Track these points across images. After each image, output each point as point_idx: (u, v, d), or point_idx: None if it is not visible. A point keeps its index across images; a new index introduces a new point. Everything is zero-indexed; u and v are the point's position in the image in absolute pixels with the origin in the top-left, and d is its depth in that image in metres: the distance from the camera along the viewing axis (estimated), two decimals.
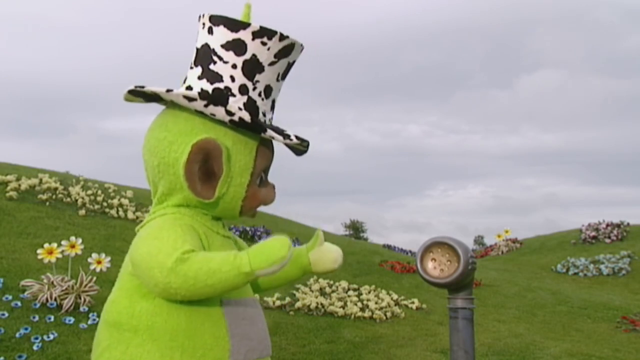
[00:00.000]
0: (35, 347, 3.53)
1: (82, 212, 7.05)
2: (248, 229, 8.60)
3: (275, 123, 1.51)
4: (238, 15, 1.44)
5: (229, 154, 1.38)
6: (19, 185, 7.21)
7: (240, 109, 1.36)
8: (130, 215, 7.46)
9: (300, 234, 10.02)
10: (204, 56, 1.41)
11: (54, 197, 7.29)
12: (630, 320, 7.20)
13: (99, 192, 8.13)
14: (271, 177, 1.53)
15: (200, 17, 1.43)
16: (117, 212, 7.49)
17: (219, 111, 1.34)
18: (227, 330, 1.35)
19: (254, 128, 1.37)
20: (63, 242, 4.43)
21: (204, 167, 1.37)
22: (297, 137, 1.42)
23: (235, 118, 1.34)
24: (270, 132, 1.37)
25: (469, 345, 1.52)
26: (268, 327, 1.49)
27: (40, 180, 7.68)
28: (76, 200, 7.42)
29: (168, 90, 1.36)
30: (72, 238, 4.50)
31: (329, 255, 1.57)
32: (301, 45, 1.45)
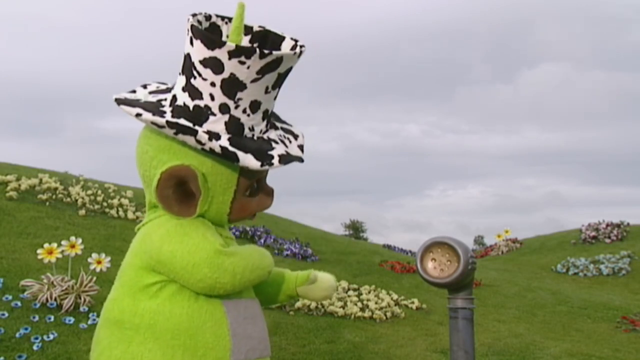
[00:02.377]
0: (35, 347, 3.53)
1: (82, 212, 7.05)
2: (248, 229, 8.60)
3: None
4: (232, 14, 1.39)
5: (206, 177, 1.35)
6: (19, 185, 7.21)
7: (211, 138, 1.30)
8: (130, 215, 7.46)
9: (300, 234, 10.02)
10: (187, 67, 1.36)
11: (54, 197, 7.29)
12: (630, 320, 7.19)
13: (99, 192, 8.13)
14: (270, 177, 1.50)
15: (187, 19, 1.36)
16: (117, 212, 7.49)
17: (189, 140, 1.30)
18: (229, 329, 1.36)
19: (226, 157, 1.31)
20: (63, 242, 4.43)
21: (181, 188, 1.35)
22: (282, 158, 1.35)
23: (206, 147, 1.30)
24: (244, 160, 1.30)
25: (469, 345, 1.52)
26: (268, 327, 1.49)
27: (40, 180, 7.68)
28: (76, 200, 7.42)
29: (138, 115, 1.32)
30: (72, 238, 4.50)
31: (319, 292, 1.63)
32: (295, 53, 1.35)
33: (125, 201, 7.90)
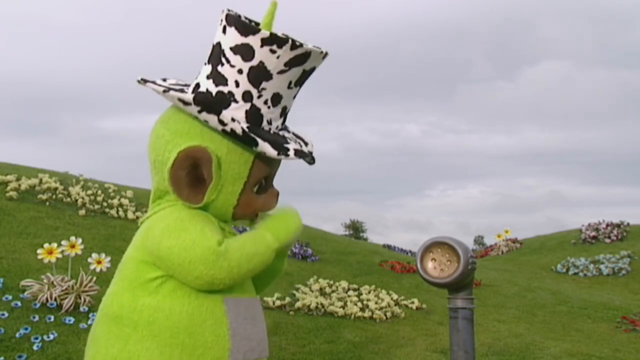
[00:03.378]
0: (35, 347, 3.53)
1: (82, 212, 7.05)
2: (248, 229, 8.59)
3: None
4: (262, 13, 1.40)
5: (220, 162, 1.36)
6: (19, 185, 7.21)
7: (233, 119, 1.33)
8: (130, 215, 7.46)
9: (300, 234, 10.01)
10: (216, 55, 1.39)
11: (54, 197, 7.29)
12: (630, 320, 7.19)
13: (99, 192, 8.12)
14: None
15: (222, 11, 1.40)
16: (117, 212, 7.48)
17: (211, 119, 1.33)
18: (228, 329, 1.35)
19: (245, 140, 1.34)
20: (63, 242, 4.43)
21: (193, 172, 1.36)
22: (297, 152, 1.38)
23: (227, 128, 1.32)
24: (263, 147, 1.33)
25: (469, 345, 1.52)
26: (268, 327, 1.49)
27: (40, 180, 7.67)
28: (76, 200, 7.41)
29: (165, 91, 1.35)
30: (72, 238, 4.50)
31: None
32: (321, 52, 1.39)
33: (125, 201, 7.90)
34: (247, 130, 1.33)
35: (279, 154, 1.34)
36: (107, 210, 7.48)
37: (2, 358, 3.36)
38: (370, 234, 37.83)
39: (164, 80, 1.49)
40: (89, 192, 7.94)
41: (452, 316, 1.54)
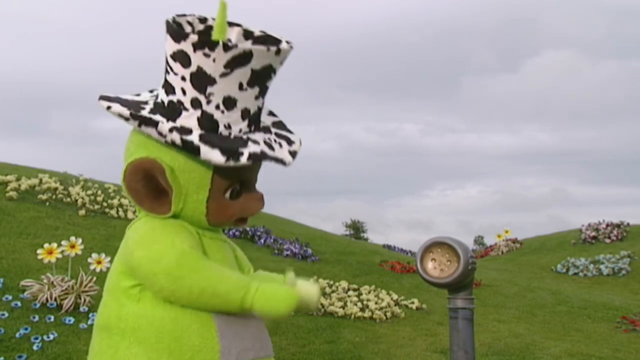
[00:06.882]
0: (35, 347, 3.53)
1: (82, 212, 7.05)
2: (248, 229, 8.59)
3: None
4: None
5: (177, 172, 1.32)
6: (19, 185, 7.21)
7: (171, 130, 1.28)
8: (130, 215, 7.46)
9: (300, 234, 10.02)
10: (165, 64, 1.36)
11: (54, 197, 7.30)
12: (630, 320, 7.19)
13: (99, 192, 8.12)
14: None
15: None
16: (117, 212, 7.49)
17: (151, 132, 1.29)
18: (217, 330, 1.32)
19: (187, 149, 1.28)
20: (63, 242, 4.43)
21: (152, 183, 1.33)
22: (252, 156, 1.29)
23: (168, 140, 1.28)
24: (206, 154, 1.26)
25: (469, 345, 1.52)
26: (268, 328, 1.46)
27: (40, 180, 7.68)
28: (76, 200, 7.42)
29: (108, 107, 1.32)
30: (72, 238, 4.50)
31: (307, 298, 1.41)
32: (267, 49, 1.30)
33: (125, 201, 7.90)
34: (192, 139, 1.28)
35: (227, 161, 1.27)
36: (107, 210, 7.49)
37: (2, 358, 3.36)
38: (371, 234, 37.83)
39: (151, 91, 1.46)
40: (89, 192, 7.94)
41: (452, 316, 1.54)
